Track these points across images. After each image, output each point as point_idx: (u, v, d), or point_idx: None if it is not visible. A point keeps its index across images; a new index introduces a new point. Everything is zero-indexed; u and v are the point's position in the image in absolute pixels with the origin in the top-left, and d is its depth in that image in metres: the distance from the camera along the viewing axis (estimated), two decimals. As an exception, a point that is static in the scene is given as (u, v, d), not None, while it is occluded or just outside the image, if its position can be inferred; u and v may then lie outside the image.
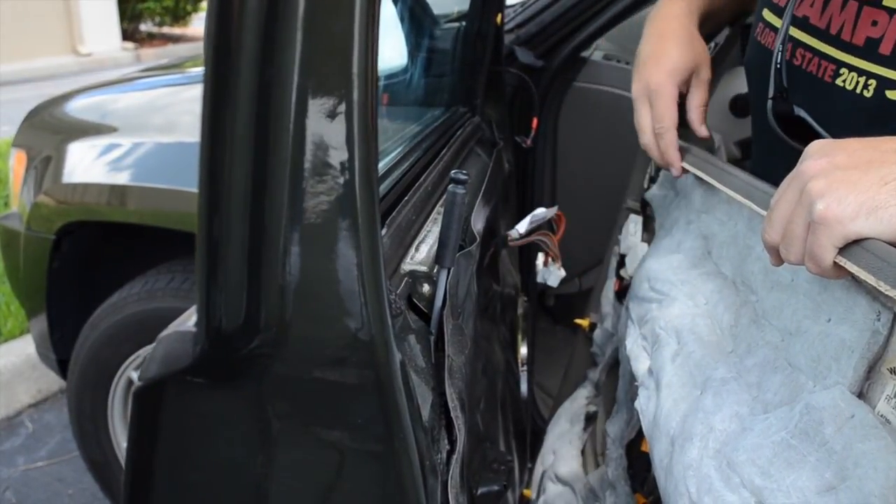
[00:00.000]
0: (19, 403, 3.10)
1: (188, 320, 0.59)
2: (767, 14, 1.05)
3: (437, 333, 0.78)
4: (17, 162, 2.46)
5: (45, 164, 2.31)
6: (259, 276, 0.58)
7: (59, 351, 2.40)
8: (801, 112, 0.95)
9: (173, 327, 0.60)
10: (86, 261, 2.37)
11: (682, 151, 1.20)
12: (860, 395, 0.69)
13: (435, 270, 0.83)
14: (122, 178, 2.19)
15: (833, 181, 0.67)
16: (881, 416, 0.66)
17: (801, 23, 0.97)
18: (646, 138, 1.17)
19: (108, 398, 2.22)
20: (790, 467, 0.71)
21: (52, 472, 2.74)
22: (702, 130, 1.17)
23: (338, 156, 0.58)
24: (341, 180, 0.58)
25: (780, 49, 0.97)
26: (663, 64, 1.15)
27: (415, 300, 0.80)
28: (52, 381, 3.16)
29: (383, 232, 0.80)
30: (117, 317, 2.17)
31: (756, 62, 1.09)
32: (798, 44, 0.97)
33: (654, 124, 1.15)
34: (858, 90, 0.88)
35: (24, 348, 3.18)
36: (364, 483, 0.62)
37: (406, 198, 0.95)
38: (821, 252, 0.68)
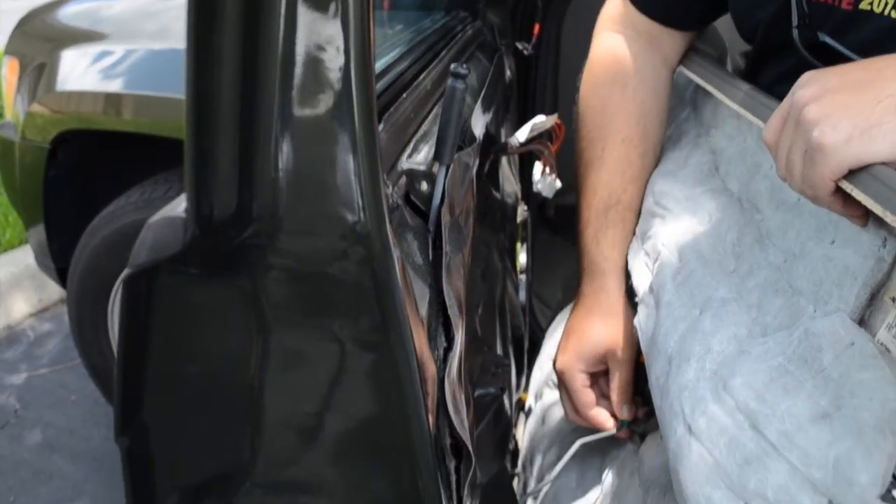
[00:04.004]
0: (20, 313, 3.12)
1: (178, 206, 0.58)
2: None
3: (435, 231, 0.77)
4: (9, 70, 2.42)
5: (39, 72, 2.27)
6: (251, 164, 0.57)
7: (57, 260, 2.41)
8: (825, 38, 0.91)
9: (163, 213, 0.59)
10: (82, 170, 2.35)
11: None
12: (861, 322, 0.69)
13: (433, 168, 0.81)
14: (117, 86, 2.16)
15: (825, 106, 0.66)
16: (881, 344, 0.65)
17: None
18: (571, 416, 1.17)
19: (108, 306, 2.23)
20: (786, 393, 0.70)
21: (54, 378, 2.77)
22: (621, 412, 1.12)
23: (332, 39, 0.56)
24: (336, 63, 0.56)
25: None
26: (573, 347, 1.13)
27: (413, 198, 0.79)
28: (52, 290, 3.18)
29: (381, 127, 0.79)
30: (115, 226, 2.16)
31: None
32: None
33: (577, 408, 1.15)
34: (887, 12, 0.85)
35: (24, 258, 3.18)
36: (358, 376, 0.62)
37: (404, 95, 0.93)
38: (818, 181, 0.66)
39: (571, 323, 1.17)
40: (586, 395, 1.13)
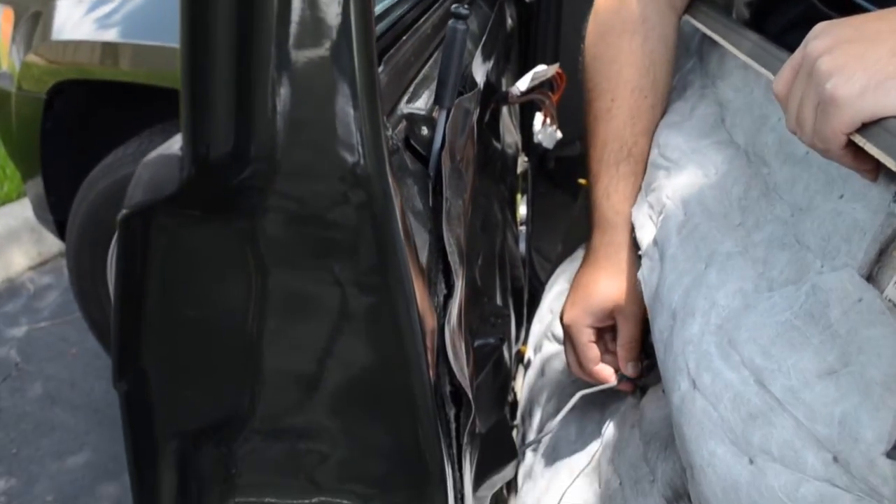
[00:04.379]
0: (19, 266, 3.12)
1: (174, 145, 0.57)
2: None
3: (436, 176, 0.76)
4: (4, 19, 2.39)
5: (34, 21, 2.24)
6: (248, 103, 0.55)
7: (56, 212, 2.39)
8: None
9: (159, 151, 0.57)
10: (80, 121, 2.33)
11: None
12: (869, 278, 0.67)
13: (434, 113, 0.80)
14: (114, 35, 2.13)
15: (839, 57, 0.64)
16: (889, 300, 0.64)
17: None
18: (575, 370, 1.17)
19: (107, 258, 2.23)
20: (792, 349, 0.70)
21: (55, 332, 2.78)
22: (626, 369, 1.11)
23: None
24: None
25: None
26: (581, 301, 1.12)
27: (413, 142, 0.77)
28: (50, 243, 3.18)
29: (380, 69, 0.77)
30: (114, 177, 2.15)
31: None
32: None
33: (581, 362, 1.14)
34: None
35: (22, 212, 3.17)
36: (358, 320, 0.61)
37: (404, 38, 0.92)
38: (830, 134, 0.65)
39: (580, 277, 1.15)
40: (591, 351, 1.13)
